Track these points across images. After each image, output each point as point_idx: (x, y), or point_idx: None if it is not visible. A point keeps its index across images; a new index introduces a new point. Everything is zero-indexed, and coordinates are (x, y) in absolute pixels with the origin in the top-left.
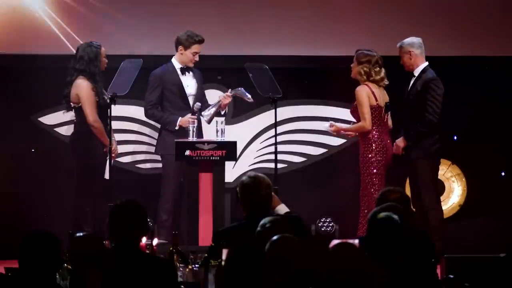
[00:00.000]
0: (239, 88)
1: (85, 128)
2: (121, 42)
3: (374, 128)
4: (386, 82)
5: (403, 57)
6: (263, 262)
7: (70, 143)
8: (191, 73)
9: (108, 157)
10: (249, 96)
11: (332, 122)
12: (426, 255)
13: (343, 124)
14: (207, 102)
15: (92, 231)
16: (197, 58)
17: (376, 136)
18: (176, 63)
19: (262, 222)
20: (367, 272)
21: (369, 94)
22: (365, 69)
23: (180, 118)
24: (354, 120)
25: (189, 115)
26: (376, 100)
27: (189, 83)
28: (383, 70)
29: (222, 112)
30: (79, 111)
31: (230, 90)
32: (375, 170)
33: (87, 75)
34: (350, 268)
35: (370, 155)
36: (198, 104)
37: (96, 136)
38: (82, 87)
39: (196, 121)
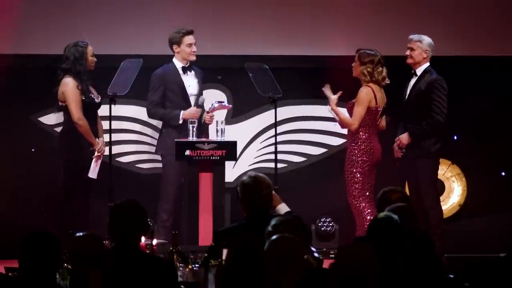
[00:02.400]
0: (214, 103)
1: (72, 127)
2: (121, 42)
3: (364, 129)
4: (387, 81)
5: (415, 50)
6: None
7: (58, 141)
8: (192, 72)
9: (94, 156)
10: (225, 103)
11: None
12: (426, 255)
13: (336, 106)
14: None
15: (76, 231)
16: (194, 49)
17: (364, 137)
18: (177, 63)
19: (273, 222)
20: (374, 270)
21: (371, 98)
22: (368, 69)
23: (182, 111)
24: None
25: (193, 108)
26: (376, 103)
27: (191, 83)
28: (384, 69)
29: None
30: (66, 109)
31: (207, 109)
32: (359, 169)
33: (73, 74)
34: (358, 265)
35: (356, 155)
36: (202, 97)
37: (83, 135)
38: (67, 86)
39: (196, 121)
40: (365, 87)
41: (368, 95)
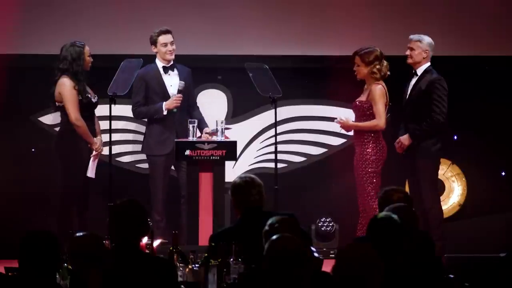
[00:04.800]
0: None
1: (70, 127)
2: (121, 42)
3: None
4: (388, 72)
5: (415, 50)
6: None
7: (55, 142)
8: (175, 71)
9: (92, 156)
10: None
11: (341, 117)
12: (426, 255)
13: (351, 122)
14: (196, 103)
15: (76, 231)
16: (170, 48)
17: (376, 135)
18: (159, 63)
19: (270, 221)
20: (378, 270)
21: (385, 94)
22: (377, 67)
23: (164, 102)
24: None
25: (173, 97)
26: (387, 100)
27: (173, 83)
28: (385, 61)
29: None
30: (63, 110)
31: (210, 130)
32: (372, 169)
33: (70, 74)
34: (361, 266)
35: (368, 154)
36: (181, 82)
37: (81, 135)
38: (64, 86)
39: (196, 120)
40: (377, 84)
41: (383, 91)
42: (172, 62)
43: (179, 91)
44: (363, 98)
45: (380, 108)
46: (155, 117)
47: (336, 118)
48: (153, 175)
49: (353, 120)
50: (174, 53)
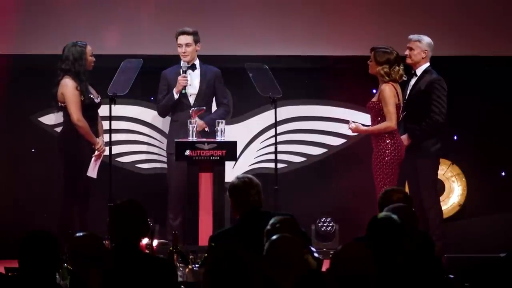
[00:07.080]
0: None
1: (73, 127)
2: (121, 42)
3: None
4: (404, 77)
5: (414, 50)
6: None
7: (57, 142)
8: (197, 71)
9: (94, 155)
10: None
11: (352, 120)
12: (426, 255)
13: (362, 126)
14: (221, 103)
15: (76, 231)
16: (184, 50)
17: (392, 135)
18: (182, 62)
19: (271, 221)
20: (371, 269)
21: (395, 94)
22: (385, 70)
23: (174, 89)
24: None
25: (179, 79)
26: (399, 99)
27: (192, 82)
28: (401, 67)
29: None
30: (66, 110)
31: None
32: (387, 170)
33: (72, 74)
34: (354, 265)
35: (383, 155)
36: (185, 63)
37: (83, 136)
38: (66, 87)
39: (196, 121)
40: (386, 84)
41: (392, 91)
42: (194, 62)
43: (183, 72)
44: (375, 98)
45: (390, 109)
46: (171, 104)
47: (348, 123)
48: (168, 174)
49: (369, 121)
50: (191, 55)
